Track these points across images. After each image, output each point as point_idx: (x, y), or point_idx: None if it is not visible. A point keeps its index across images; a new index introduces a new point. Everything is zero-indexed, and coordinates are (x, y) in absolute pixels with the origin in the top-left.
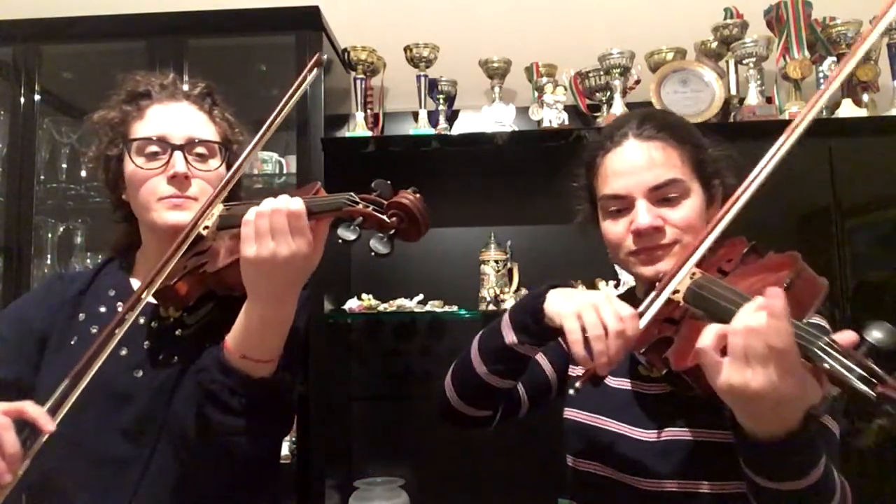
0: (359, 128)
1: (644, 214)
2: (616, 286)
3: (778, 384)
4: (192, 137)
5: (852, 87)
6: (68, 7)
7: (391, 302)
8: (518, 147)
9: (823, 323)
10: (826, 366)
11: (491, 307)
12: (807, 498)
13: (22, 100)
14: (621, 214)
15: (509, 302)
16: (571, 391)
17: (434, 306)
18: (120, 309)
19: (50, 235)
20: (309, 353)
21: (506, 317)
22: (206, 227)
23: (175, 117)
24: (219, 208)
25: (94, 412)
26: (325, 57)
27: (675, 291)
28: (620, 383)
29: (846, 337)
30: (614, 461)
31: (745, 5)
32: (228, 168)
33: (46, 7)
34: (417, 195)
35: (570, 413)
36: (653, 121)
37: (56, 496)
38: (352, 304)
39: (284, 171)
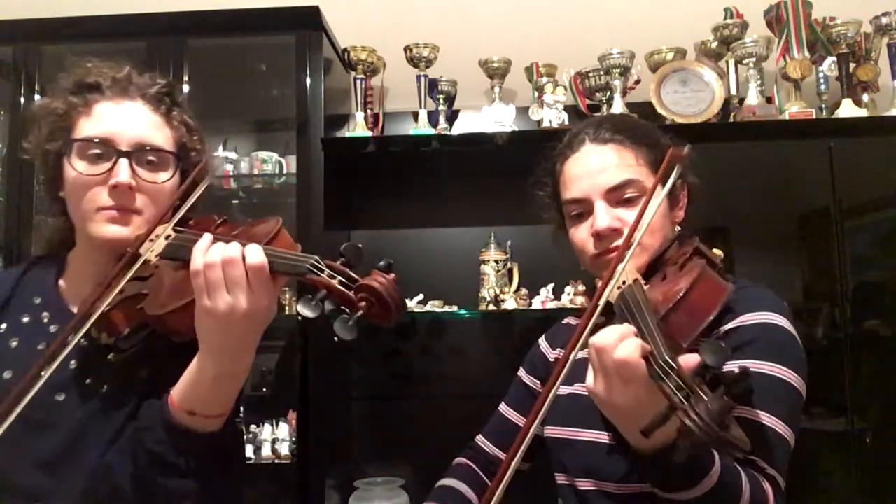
0: (359, 128)
1: (602, 216)
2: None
3: (626, 397)
4: (141, 143)
5: (852, 87)
6: (68, 7)
7: None
8: (518, 147)
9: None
10: (661, 383)
11: (491, 307)
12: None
13: (22, 100)
14: (583, 218)
15: (509, 302)
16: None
17: (434, 306)
18: (45, 320)
19: None
20: (308, 352)
21: None
22: (151, 251)
23: (125, 118)
24: (168, 231)
25: (8, 440)
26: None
27: (618, 299)
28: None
29: (689, 360)
30: (580, 469)
31: (745, 5)
32: (183, 178)
33: (46, 7)
34: (391, 276)
35: (548, 431)
36: (608, 124)
37: None
38: None
39: (284, 171)
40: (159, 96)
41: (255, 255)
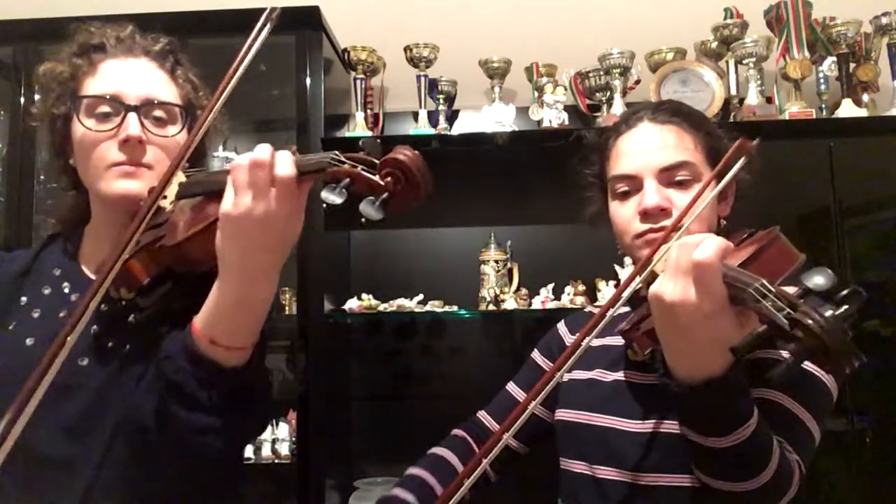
0: (359, 128)
1: (652, 194)
2: (616, 286)
3: (694, 301)
4: (149, 98)
5: (852, 87)
6: (68, 7)
7: (391, 302)
8: (518, 147)
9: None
10: (757, 305)
11: (491, 307)
12: (733, 459)
13: (22, 100)
14: (629, 196)
15: (509, 302)
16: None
17: (434, 306)
18: (66, 290)
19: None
20: (308, 352)
21: None
22: (165, 197)
23: (131, 75)
24: (179, 177)
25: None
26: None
27: (663, 270)
28: (612, 376)
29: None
30: (602, 455)
31: (745, 5)
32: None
33: (46, 7)
34: (416, 152)
35: (561, 414)
36: (668, 106)
37: (2, 499)
38: (352, 304)
39: None
40: (164, 53)
41: (285, 163)
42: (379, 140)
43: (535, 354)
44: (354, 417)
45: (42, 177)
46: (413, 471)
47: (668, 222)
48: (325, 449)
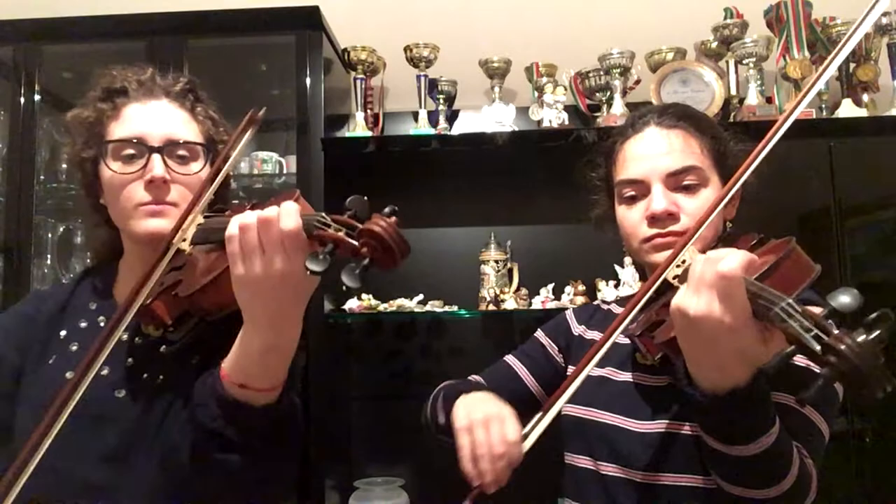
0: (359, 128)
1: (660, 199)
2: (616, 286)
3: (718, 315)
4: (171, 138)
5: (852, 87)
6: (68, 7)
7: (391, 302)
8: (518, 147)
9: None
10: (784, 325)
11: (491, 307)
12: (755, 467)
13: (22, 100)
14: (636, 200)
15: (509, 302)
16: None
17: (434, 306)
18: (102, 324)
19: (50, 235)
20: (308, 352)
21: (441, 398)
22: (184, 240)
23: (153, 117)
24: (198, 219)
25: (71, 436)
26: (260, 114)
27: (675, 276)
28: (620, 376)
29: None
30: (608, 453)
31: (745, 5)
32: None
33: (46, 7)
34: (392, 219)
35: (567, 409)
36: (675, 110)
37: None
38: (352, 304)
39: (284, 171)
40: (183, 93)
41: (290, 217)
42: (366, 199)
43: (541, 335)
44: (354, 417)
45: (42, 177)
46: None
47: (676, 227)
48: (325, 449)
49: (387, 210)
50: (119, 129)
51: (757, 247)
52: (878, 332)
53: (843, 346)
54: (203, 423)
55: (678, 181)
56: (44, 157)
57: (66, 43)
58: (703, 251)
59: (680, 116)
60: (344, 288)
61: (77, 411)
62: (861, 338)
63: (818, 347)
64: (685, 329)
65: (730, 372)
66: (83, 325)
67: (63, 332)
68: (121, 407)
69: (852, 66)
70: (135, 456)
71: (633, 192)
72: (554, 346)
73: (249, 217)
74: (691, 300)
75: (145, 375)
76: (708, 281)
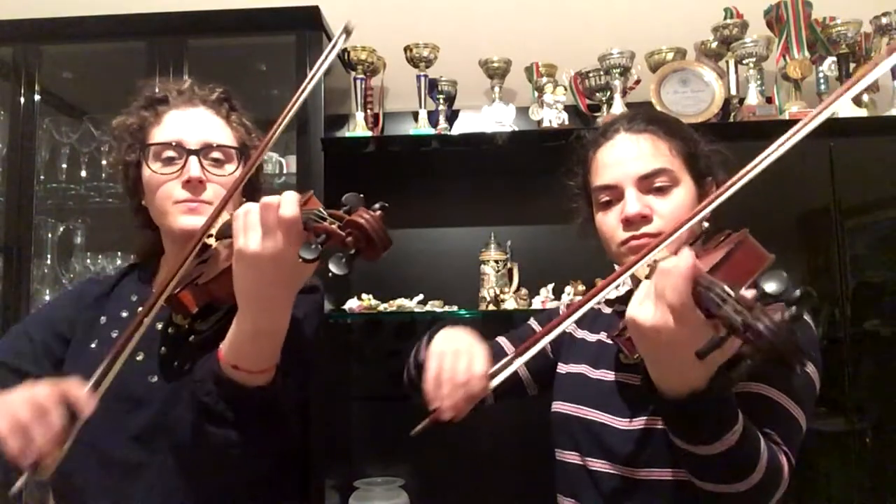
0: (359, 128)
1: (633, 202)
2: (616, 286)
3: (671, 325)
4: (207, 142)
5: None
6: (68, 7)
7: (391, 302)
8: (518, 147)
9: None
10: (718, 311)
11: (491, 307)
12: (722, 464)
13: (22, 100)
14: (612, 205)
15: (509, 302)
16: (412, 433)
17: (434, 306)
18: None
19: (50, 235)
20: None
21: (425, 338)
22: (210, 236)
23: (191, 122)
24: (225, 216)
25: (108, 416)
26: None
27: (647, 276)
28: (605, 374)
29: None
30: (593, 449)
31: (745, 5)
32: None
33: (46, 7)
34: (377, 213)
35: (556, 406)
36: (643, 115)
37: (76, 497)
38: (352, 304)
39: (284, 171)
40: (219, 101)
41: (290, 206)
42: (362, 195)
43: (533, 322)
44: (354, 417)
45: (42, 177)
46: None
47: (649, 228)
48: (325, 449)
49: (376, 205)
50: (160, 133)
51: (722, 242)
52: (793, 309)
53: (759, 325)
54: (199, 398)
55: (650, 184)
56: (44, 157)
57: (66, 43)
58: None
59: (648, 121)
60: (330, 274)
61: (114, 393)
62: (777, 316)
63: (740, 326)
64: (640, 339)
65: (688, 375)
66: (124, 314)
67: (104, 319)
68: (153, 391)
69: (852, 66)
70: (161, 438)
71: (608, 198)
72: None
73: (255, 203)
74: (642, 310)
75: (175, 363)
76: (658, 292)
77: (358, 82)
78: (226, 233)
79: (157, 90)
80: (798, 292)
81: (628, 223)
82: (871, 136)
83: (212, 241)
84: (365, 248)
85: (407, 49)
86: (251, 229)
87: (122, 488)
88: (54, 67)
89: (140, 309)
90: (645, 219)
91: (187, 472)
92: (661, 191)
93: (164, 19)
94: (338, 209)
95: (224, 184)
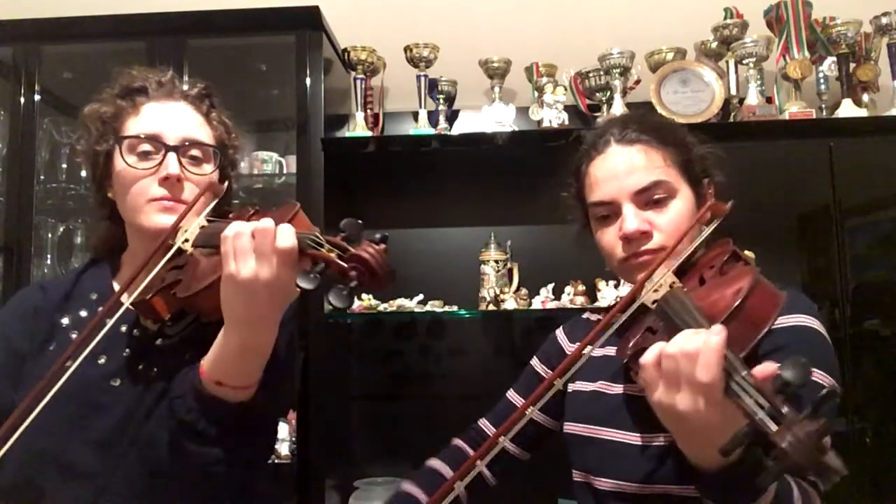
0: (359, 128)
1: (631, 219)
2: (616, 286)
3: (703, 410)
4: (187, 139)
5: (852, 87)
6: (68, 7)
7: (391, 302)
8: (518, 147)
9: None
10: (739, 400)
11: (491, 307)
12: None
13: (22, 100)
14: (610, 221)
15: (509, 302)
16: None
17: (434, 306)
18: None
19: (50, 235)
20: (308, 352)
21: None
22: (186, 241)
23: (171, 117)
24: (201, 221)
25: (67, 422)
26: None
27: (654, 302)
28: (615, 389)
29: (763, 369)
30: (606, 468)
31: (745, 5)
32: (222, 174)
33: (46, 7)
34: (381, 247)
35: (568, 427)
36: (634, 124)
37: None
38: None
39: (284, 171)
40: (200, 97)
41: (286, 238)
42: (360, 222)
43: (535, 362)
44: (354, 417)
45: (42, 177)
46: (404, 486)
47: (650, 244)
48: (325, 449)
49: (377, 236)
50: (137, 125)
51: (730, 262)
52: (823, 420)
53: (785, 444)
54: (178, 415)
55: (647, 197)
56: (44, 157)
57: (66, 43)
58: (677, 266)
59: (640, 130)
60: (330, 307)
61: (73, 397)
62: (808, 428)
63: (773, 430)
64: (674, 423)
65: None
66: (84, 314)
67: (65, 321)
68: (115, 395)
69: (852, 66)
70: (121, 445)
71: (605, 213)
72: (548, 370)
73: (247, 225)
74: (674, 398)
75: (140, 367)
76: (688, 380)
77: (358, 82)
78: (208, 242)
79: (135, 79)
80: (824, 392)
81: (628, 241)
82: (871, 136)
83: (188, 248)
84: (368, 281)
85: (407, 49)
86: (244, 255)
87: (85, 497)
88: (54, 67)
89: (101, 310)
90: (645, 234)
91: (154, 482)
92: (659, 203)
93: (164, 19)
94: (335, 235)
95: (201, 183)
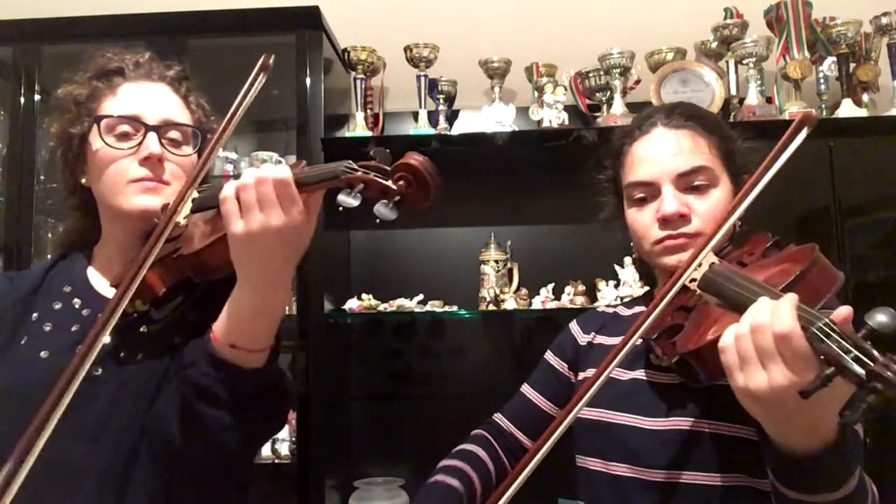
0: (359, 128)
1: (670, 200)
2: (616, 286)
3: (796, 379)
4: (167, 120)
5: (852, 87)
6: (68, 7)
7: (391, 302)
8: (518, 147)
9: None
10: (823, 346)
11: (491, 307)
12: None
13: (22, 100)
14: (647, 203)
15: (509, 302)
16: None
17: (434, 306)
18: (77, 305)
19: (50, 235)
20: (308, 352)
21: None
22: (180, 214)
23: (150, 97)
24: (192, 194)
25: None
26: (271, 60)
27: (692, 280)
28: (632, 374)
29: (842, 312)
30: (619, 453)
31: (745, 5)
32: (199, 156)
33: (46, 7)
34: (425, 157)
35: (581, 413)
36: (682, 110)
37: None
38: (352, 304)
39: None
40: (178, 79)
41: (281, 170)
42: (388, 150)
43: (549, 356)
44: (354, 417)
45: (42, 177)
46: (449, 461)
47: (687, 228)
48: (325, 449)
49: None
50: (115, 106)
51: (772, 249)
52: None
53: (889, 374)
54: (193, 380)
55: (688, 182)
56: (44, 157)
57: (66, 43)
58: (717, 252)
59: (687, 116)
60: (377, 221)
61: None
62: None
63: (862, 373)
64: (764, 407)
65: (819, 430)
66: (57, 306)
67: (35, 315)
68: (98, 385)
69: (852, 66)
70: (107, 435)
71: (642, 194)
72: (563, 363)
73: (246, 177)
74: (762, 377)
75: (123, 354)
76: (769, 351)
77: (358, 82)
78: (199, 206)
79: (111, 60)
80: None
81: (665, 222)
82: (871, 136)
83: (181, 220)
84: (414, 192)
85: (407, 49)
86: (250, 210)
87: (69, 492)
88: (54, 67)
89: (77, 302)
90: (683, 218)
91: (166, 472)
92: (699, 190)
93: (164, 19)
94: (367, 162)
95: (181, 164)
